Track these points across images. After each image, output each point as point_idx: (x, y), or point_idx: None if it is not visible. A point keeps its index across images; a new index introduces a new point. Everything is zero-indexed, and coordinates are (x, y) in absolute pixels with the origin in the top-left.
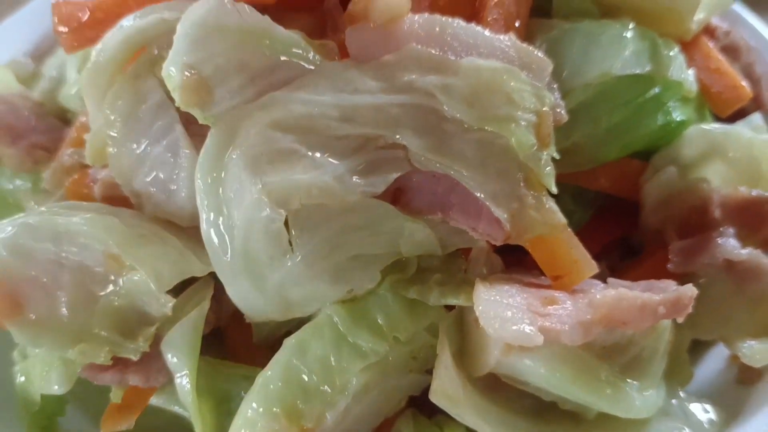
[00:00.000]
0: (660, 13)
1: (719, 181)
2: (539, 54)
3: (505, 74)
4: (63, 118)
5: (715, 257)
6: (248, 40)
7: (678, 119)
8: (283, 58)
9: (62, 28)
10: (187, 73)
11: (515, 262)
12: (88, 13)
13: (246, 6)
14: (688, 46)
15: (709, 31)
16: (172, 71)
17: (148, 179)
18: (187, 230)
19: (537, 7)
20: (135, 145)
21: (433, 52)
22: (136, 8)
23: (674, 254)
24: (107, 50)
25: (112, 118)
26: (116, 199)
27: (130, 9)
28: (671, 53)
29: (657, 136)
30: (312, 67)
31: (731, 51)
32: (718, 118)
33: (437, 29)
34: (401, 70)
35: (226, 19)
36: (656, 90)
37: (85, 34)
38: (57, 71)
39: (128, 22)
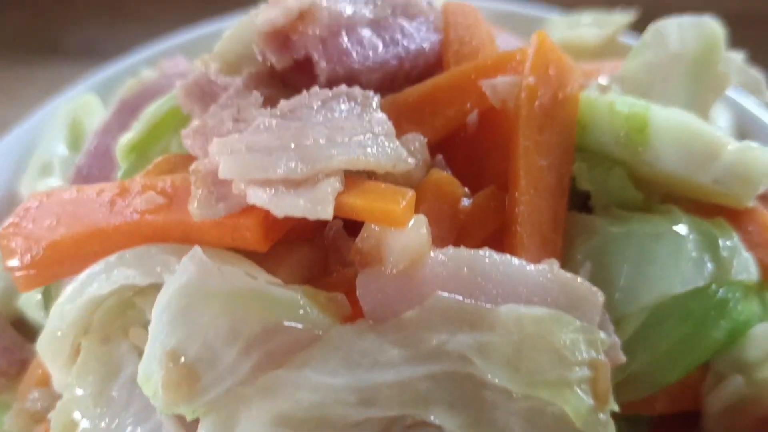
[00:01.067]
0: (713, 194)
1: None
2: (587, 285)
3: (553, 324)
4: (22, 327)
5: None
6: (237, 303)
7: (743, 320)
8: (282, 321)
9: (12, 263)
10: (170, 364)
11: None
12: (42, 251)
13: (231, 268)
14: (740, 218)
15: None
16: (152, 370)
17: None
18: None
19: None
20: (112, 427)
21: (464, 300)
22: (102, 251)
23: None
24: (66, 318)
25: (80, 394)
26: None
27: (94, 252)
28: (730, 243)
29: (722, 346)
30: (319, 332)
31: None
32: None
33: (465, 270)
34: (427, 331)
35: (211, 285)
36: (719, 294)
37: (41, 273)
38: None
39: (90, 284)
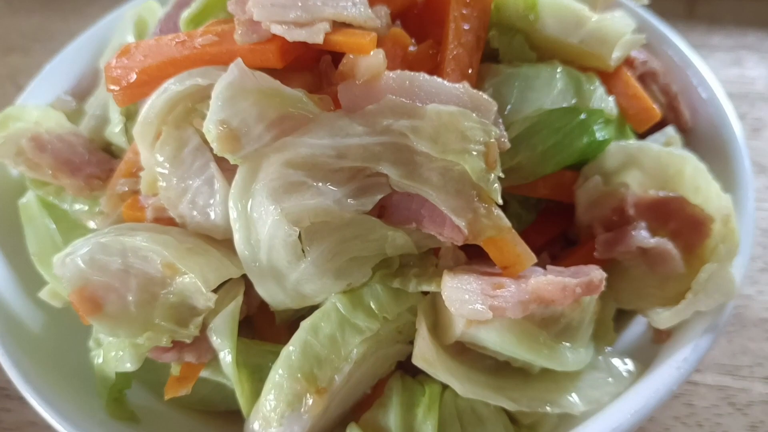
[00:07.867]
0: (584, 54)
1: (636, 185)
2: (486, 97)
3: (460, 116)
4: (109, 151)
5: (630, 246)
6: (264, 97)
7: (600, 138)
8: (291, 110)
9: (114, 87)
10: (221, 127)
11: (476, 255)
12: (135, 76)
13: (260, 72)
14: (611, 77)
15: (629, 62)
16: (210, 128)
17: (191, 205)
18: (223, 242)
19: (489, 54)
20: (179, 180)
21: (405, 101)
22: (175, 73)
23: (599, 245)
24: (154, 108)
25: (161, 159)
26: (163, 220)
27: (170, 74)
28: (592, 87)
29: (584, 153)
30: (313, 117)
31: (650, 76)
32: (638, 133)
33: (407, 83)
34: (381, 117)
35: (247, 83)
36: (582, 117)
37: (133, 92)
38: (101, 110)
39: (170, 86)
